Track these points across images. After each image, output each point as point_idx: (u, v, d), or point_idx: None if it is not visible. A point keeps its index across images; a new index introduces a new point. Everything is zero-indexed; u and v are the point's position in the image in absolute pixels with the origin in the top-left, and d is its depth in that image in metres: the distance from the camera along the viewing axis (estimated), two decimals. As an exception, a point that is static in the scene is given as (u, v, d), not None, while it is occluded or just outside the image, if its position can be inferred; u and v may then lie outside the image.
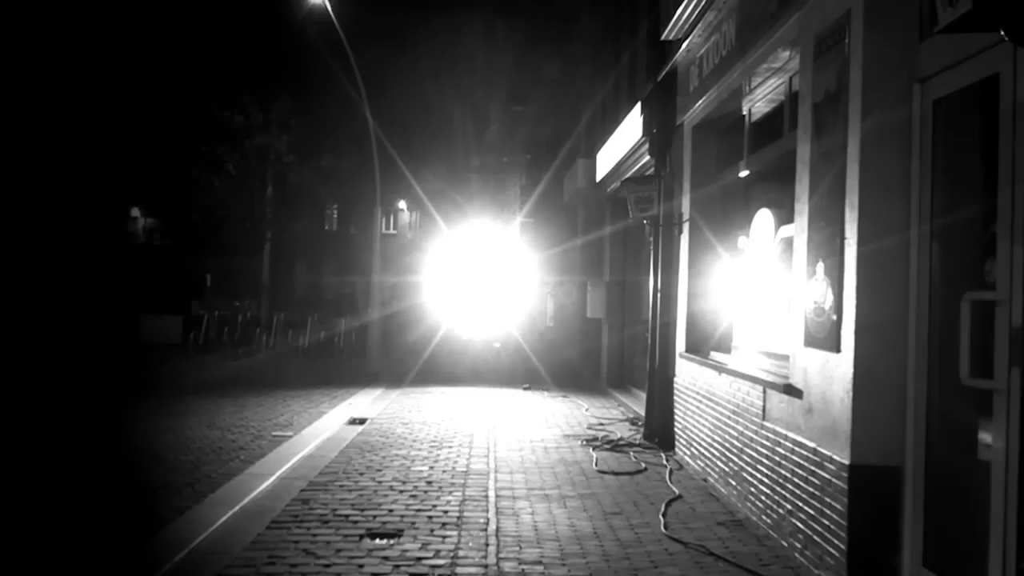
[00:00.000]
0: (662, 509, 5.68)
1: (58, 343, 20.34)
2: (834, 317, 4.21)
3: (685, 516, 5.58)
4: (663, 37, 7.90)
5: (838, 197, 4.25)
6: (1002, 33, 2.92)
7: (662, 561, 4.58)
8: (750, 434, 5.51)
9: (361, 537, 4.87)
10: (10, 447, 7.85)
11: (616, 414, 10.51)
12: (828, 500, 4.18)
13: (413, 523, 5.18)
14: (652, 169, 9.10)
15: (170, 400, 11.24)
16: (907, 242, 3.96)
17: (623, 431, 9.08)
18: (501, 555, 4.60)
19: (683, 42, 7.56)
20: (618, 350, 13.69)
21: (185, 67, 27.59)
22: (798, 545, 4.54)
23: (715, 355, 7.04)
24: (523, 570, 4.36)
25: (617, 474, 6.86)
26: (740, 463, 5.67)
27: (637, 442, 8.37)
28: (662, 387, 8.36)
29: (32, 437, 8.43)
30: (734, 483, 5.79)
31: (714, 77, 6.74)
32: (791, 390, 4.78)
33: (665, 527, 5.26)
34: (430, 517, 5.34)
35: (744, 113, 6.79)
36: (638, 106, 9.53)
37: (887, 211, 4.00)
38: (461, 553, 4.62)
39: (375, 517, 5.31)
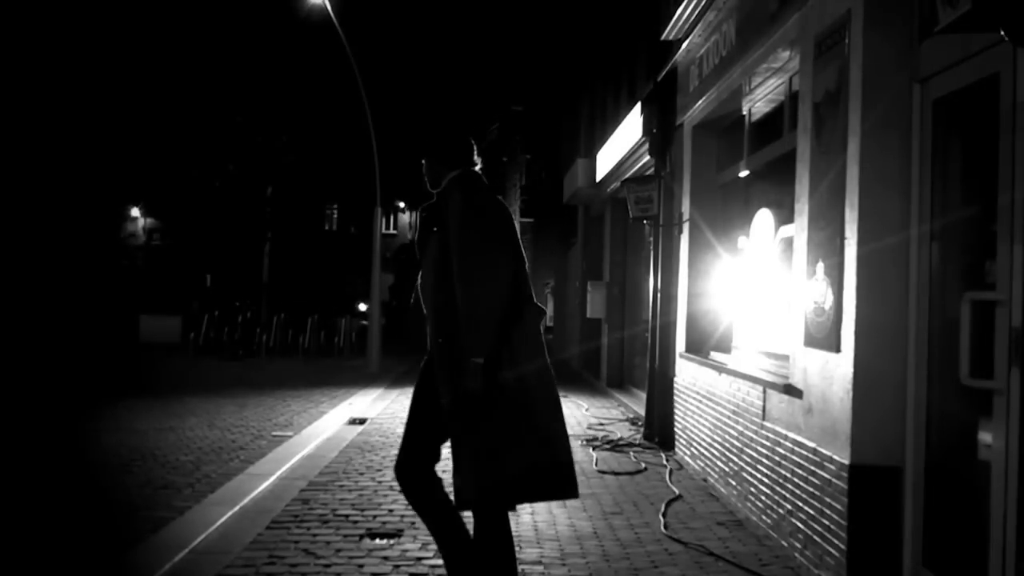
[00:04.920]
0: (662, 509, 5.68)
1: (58, 343, 20.36)
2: (834, 317, 4.21)
3: (685, 516, 5.58)
4: (663, 37, 7.90)
5: (838, 197, 4.24)
6: (1002, 33, 2.92)
7: (662, 561, 4.58)
8: (750, 434, 5.51)
9: (361, 537, 4.87)
10: (9, 447, 7.85)
11: (616, 414, 10.51)
12: (828, 500, 4.18)
13: (413, 523, 5.17)
14: (652, 169, 9.11)
15: (170, 400, 11.24)
16: (907, 242, 3.96)
17: (623, 431, 9.08)
18: (501, 555, 4.59)
19: (683, 42, 7.57)
20: (618, 350, 13.70)
21: (185, 66, 27.58)
22: (798, 545, 4.54)
23: (715, 355, 7.04)
24: (523, 570, 4.35)
25: (617, 474, 6.86)
26: (740, 463, 5.67)
27: (637, 442, 8.37)
28: (662, 387, 8.37)
29: (31, 437, 8.43)
30: (734, 483, 5.79)
31: (714, 77, 6.74)
32: (791, 390, 4.78)
33: (665, 527, 5.26)
34: (430, 517, 5.33)
35: (744, 113, 6.79)
36: (638, 106, 9.53)
37: (887, 211, 4.00)
38: (461, 553, 4.61)
39: (375, 517, 5.32)
